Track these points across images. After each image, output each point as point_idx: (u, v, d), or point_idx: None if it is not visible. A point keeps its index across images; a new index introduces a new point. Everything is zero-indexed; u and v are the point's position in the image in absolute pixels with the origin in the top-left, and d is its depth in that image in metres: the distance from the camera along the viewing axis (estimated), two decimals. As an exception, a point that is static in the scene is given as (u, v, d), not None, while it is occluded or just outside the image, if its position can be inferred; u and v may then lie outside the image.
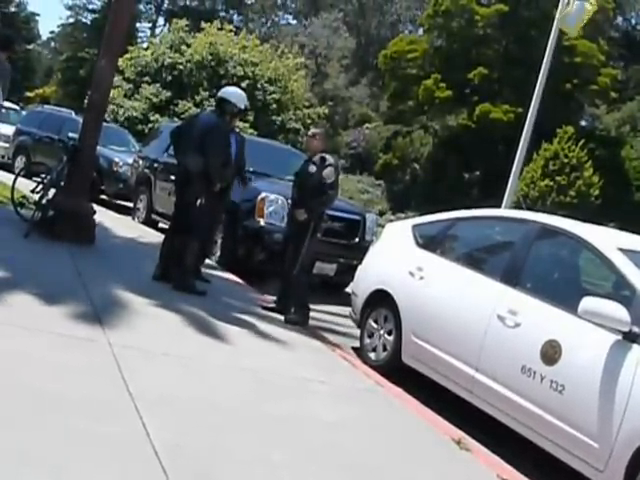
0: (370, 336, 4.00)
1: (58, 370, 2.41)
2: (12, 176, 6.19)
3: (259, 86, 15.69)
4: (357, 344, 4.16)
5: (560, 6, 7.09)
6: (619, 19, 28.21)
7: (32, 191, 5.65)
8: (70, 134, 6.52)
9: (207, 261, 5.12)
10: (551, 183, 17.52)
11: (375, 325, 3.96)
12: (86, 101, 5.42)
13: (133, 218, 7.60)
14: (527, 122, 7.43)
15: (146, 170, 7.55)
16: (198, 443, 2.13)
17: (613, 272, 2.86)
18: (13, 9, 34.98)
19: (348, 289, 5.17)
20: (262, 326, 3.88)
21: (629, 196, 20.46)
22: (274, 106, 15.84)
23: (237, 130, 5.29)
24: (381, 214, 17.62)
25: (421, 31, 26.94)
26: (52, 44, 42.74)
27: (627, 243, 3.06)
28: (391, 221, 7.36)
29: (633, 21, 29.86)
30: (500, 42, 22.83)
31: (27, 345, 2.59)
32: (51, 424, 1.98)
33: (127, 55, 16.15)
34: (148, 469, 1.88)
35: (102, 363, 2.59)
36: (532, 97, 7.43)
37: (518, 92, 19.06)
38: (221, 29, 16.94)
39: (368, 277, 4.21)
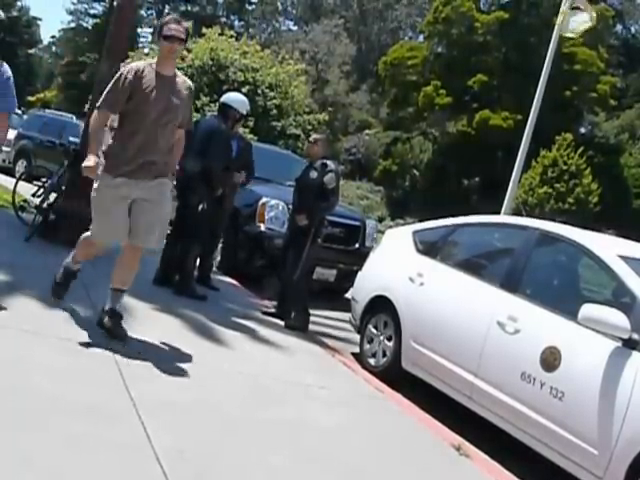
0: (370, 342, 4.00)
1: (58, 374, 2.41)
2: (13, 180, 6.20)
3: (259, 92, 15.74)
4: (357, 350, 4.16)
5: (560, 14, 7.14)
6: (618, 27, 28.43)
7: (33, 195, 5.66)
8: (71, 138, 6.55)
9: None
10: (550, 190, 17.59)
11: (375, 331, 3.97)
12: (87, 106, 5.43)
13: (133, 222, 7.60)
14: (526, 129, 7.47)
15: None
16: (199, 447, 2.13)
17: (613, 279, 2.87)
18: (15, 13, 35.15)
19: (348, 295, 5.18)
20: (262, 331, 3.88)
21: (628, 203, 20.54)
22: (274, 112, 15.88)
23: (242, 135, 5.29)
24: (380, 220, 17.66)
25: (421, 38, 27.12)
26: (53, 48, 42.96)
27: (627, 250, 3.07)
28: (390, 227, 7.38)
29: (632, 29, 30.11)
30: (500, 49, 22.98)
31: (28, 349, 2.58)
32: (52, 428, 1.98)
33: (128, 60, 16.23)
34: (149, 473, 1.88)
35: (103, 367, 2.59)
36: (531, 104, 7.47)
37: (517, 99, 19.18)
38: (222, 35, 17.03)
39: (368, 283, 4.22)
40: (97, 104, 2.90)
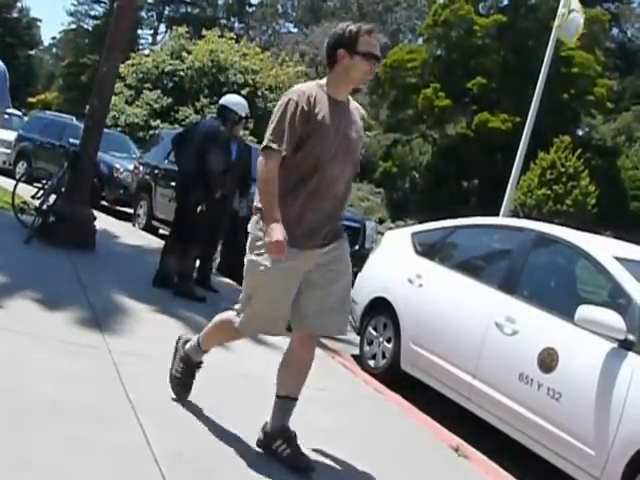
0: (369, 343, 4.02)
1: (58, 376, 2.41)
2: (13, 182, 6.20)
3: (259, 94, 15.79)
4: (357, 351, 4.17)
5: (557, 18, 7.18)
6: (615, 30, 28.55)
7: (33, 197, 5.67)
8: (71, 140, 6.58)
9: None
10: (548, 192, 17.66)
11: (374, 332, 3.99)
12: (87, 107, 5.45)
13: (133, 224, 7.62)
14: (525, 131, 7.49)
15: (146, 176, 7.59)
16: (198, 450, 2.14)
17: (609, 280, 2.89)
18: (15, 15, 35.19)
19: (347, 296, 5.18)
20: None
21: (625, 205, 20.63)
22: (274, 114, 15.91)
23: (242, 139, 5.29)
24: (381, 222, 17.70)
25: (421, 40, 27.20)
26: (54, 50, 43.02)
27: (623, 252, 3.09)
28: (390, 229, 7.40)
29: (629, 33, 30.23)
30: (498, 52, 23.07)
31: (27, 351, 2.59)
32: (51, 430, 1.98)
33: (128, 61, 16.28)
34: (148, 476, 1.89)
35: (102, 369, 2.59)
36: (530, 107, 7.50)
37: (516, 101, 19.24)
38: (222, 36, 17.08)
39: (367, 284, 4.24)
40: (264, 144, 2.04)
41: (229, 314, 2.23)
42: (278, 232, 1.97)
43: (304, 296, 2.10)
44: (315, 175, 2.04)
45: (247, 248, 2.17)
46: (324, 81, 2.14)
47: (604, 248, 3.09)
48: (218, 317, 2.29)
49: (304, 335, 2.14)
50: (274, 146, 2.02)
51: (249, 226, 2.16)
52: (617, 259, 2.89)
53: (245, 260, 2.17)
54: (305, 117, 2.02)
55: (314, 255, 2.07)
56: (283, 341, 3.84)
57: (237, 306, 2.18)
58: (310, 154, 2.03)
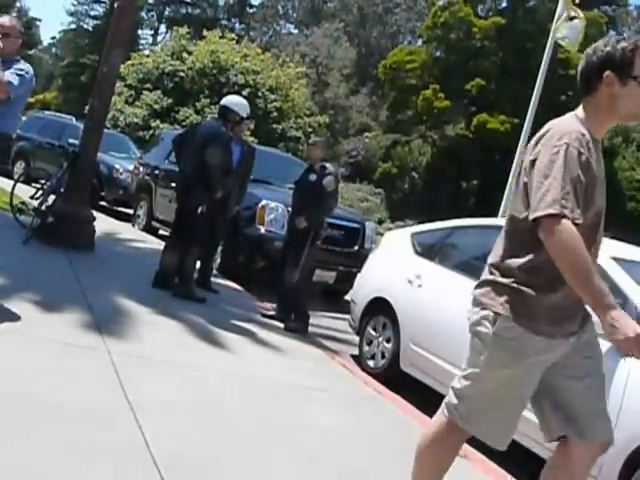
0: (369, 344, 4.02)
1: (57, 379, 2.41)
2: (11, 182, 6.20)
3: (260, 94, 15.81)
4: (356, 351, 4.18)
5: (555, 20, 7.20)
6: (612, 33, 28.62)
7: (31, 197, 5.67)
8: (70, 140, 6.58)
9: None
10: (547, 193, 17.62)
11: (374, 333, 3.99)
12: (87, 107, 5.44)
13: (133, 225, 7.63)
14: (523, 132, 7.51)
15: (147, 177, 7.59)
16: (197, 452, 2.14)
17: (606, 281, 2.87)
18: (14, 14, 35.16)
19: (347, 297, 5.20)
20: (262, 334, 3.90)
21: (621, 206, 20.65)
22: (275, 114, 15.95)
23: (245, 141, 5.32)
24: (380, 222, 17.72)
25: (420, 42, 27.24)
26: (53, 50, 42.96)
27: (620, 252, 3.11)
28: (390, 229, 7.41)
29: (625, 35, 30.27)
30: (497, 54, 23.09)
31: (26, 353, 2.59)
32: (50, 434, 1.98)
33: (129, 62, 16.29)
34: (147, 477, 1.88)
35: (101, 372, 2.59)
36: (528, 108, 7.52)
37: (515, 103, 19.26)
38: (223, 37, 17.10)
39: (367, 285, 4.24)
40: (549, 210, 1.48)
41: (434, 425, 1.69)
42: (629, 325, 1.45)
43: (561, 395, 1.65)
44: (591, 238, 1.60)
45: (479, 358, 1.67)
46: (581, 113, 1.66)
47: (601, 248, 3.09)
48: (421, 447, 1.72)
49: (585, 446, 1.67)
50: (567, 212, 1.47)
51: (480, 327, 1.66)
52: (614, 259, 2.91)
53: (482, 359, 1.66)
54: (587, 167, 1.53)
55: (564, 345, 1.63)
56: (284, 343, 3.85)
57: (447, 397, 1.69)
58: (586, 213, 1.54)
